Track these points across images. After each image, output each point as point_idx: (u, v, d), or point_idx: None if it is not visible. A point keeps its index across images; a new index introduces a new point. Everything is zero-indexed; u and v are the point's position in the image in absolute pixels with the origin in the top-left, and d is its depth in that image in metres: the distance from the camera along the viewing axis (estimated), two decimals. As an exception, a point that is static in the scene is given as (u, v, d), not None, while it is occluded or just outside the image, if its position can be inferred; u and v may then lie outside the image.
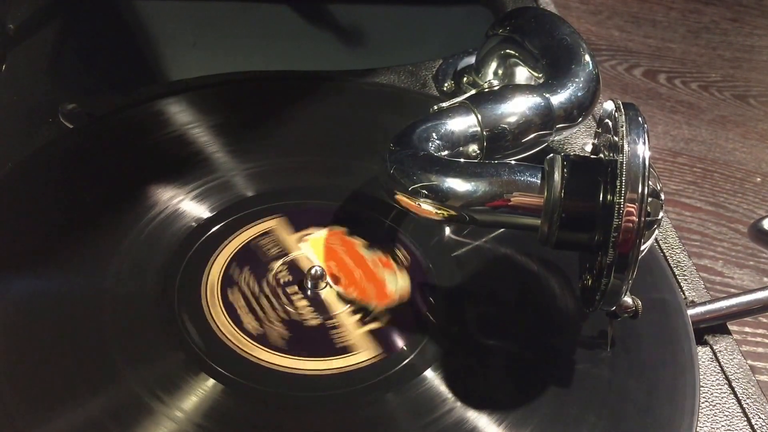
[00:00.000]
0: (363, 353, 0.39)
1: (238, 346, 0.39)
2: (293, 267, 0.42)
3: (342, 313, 0.41)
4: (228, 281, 0.41)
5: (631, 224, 0.34)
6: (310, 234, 0.44)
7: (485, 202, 0.37)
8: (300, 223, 0.45)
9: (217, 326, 0.39)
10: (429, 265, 0.43)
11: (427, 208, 0.38)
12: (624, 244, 0.34)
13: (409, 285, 0.42)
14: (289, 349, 0.39)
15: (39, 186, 0.46)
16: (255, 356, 0.38)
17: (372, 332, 0.40)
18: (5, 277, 0.41)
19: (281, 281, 0.42)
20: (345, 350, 0.39)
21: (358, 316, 0.41)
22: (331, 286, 0.42)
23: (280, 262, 0.43)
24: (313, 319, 0.40)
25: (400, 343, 0.39)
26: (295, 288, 0.41)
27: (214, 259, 0.42)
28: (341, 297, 0.41)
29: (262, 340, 0.39)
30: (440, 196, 0.37)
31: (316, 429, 0.36)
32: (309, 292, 0.41)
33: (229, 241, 0.43)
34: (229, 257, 0.42)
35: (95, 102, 0.51)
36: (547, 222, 0.37)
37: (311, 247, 0.44)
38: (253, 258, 0.43)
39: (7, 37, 0.57)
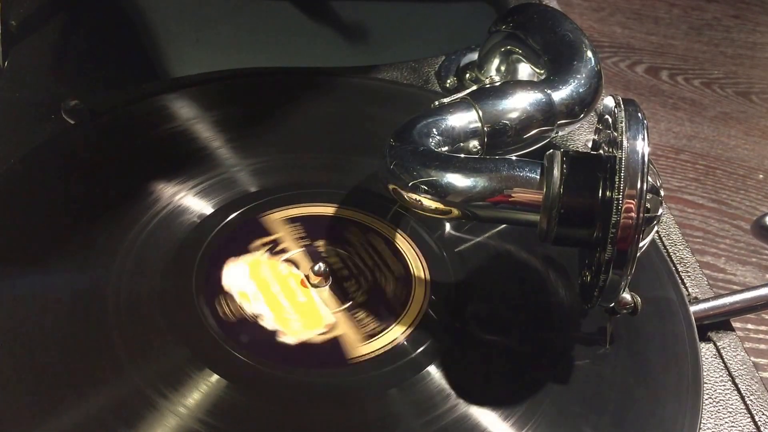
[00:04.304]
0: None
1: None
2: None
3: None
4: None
5: (629, 220, 0.34)
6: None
7: (484, 198, 0.37)
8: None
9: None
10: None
11: (426, 203, 0.38)
12: (623, 241, 0.34)
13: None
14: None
15: (41, 182, 0.46)
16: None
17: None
18: (8, 273, 0.41)
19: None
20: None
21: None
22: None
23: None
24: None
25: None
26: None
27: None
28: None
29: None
30: (439, 192, 0.37)
31: (317, 425, 0.36)
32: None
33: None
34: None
35: (97, 98, 0.51)
36: (546, 218, 0.37)
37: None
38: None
39: (9, 34, 0.57)
